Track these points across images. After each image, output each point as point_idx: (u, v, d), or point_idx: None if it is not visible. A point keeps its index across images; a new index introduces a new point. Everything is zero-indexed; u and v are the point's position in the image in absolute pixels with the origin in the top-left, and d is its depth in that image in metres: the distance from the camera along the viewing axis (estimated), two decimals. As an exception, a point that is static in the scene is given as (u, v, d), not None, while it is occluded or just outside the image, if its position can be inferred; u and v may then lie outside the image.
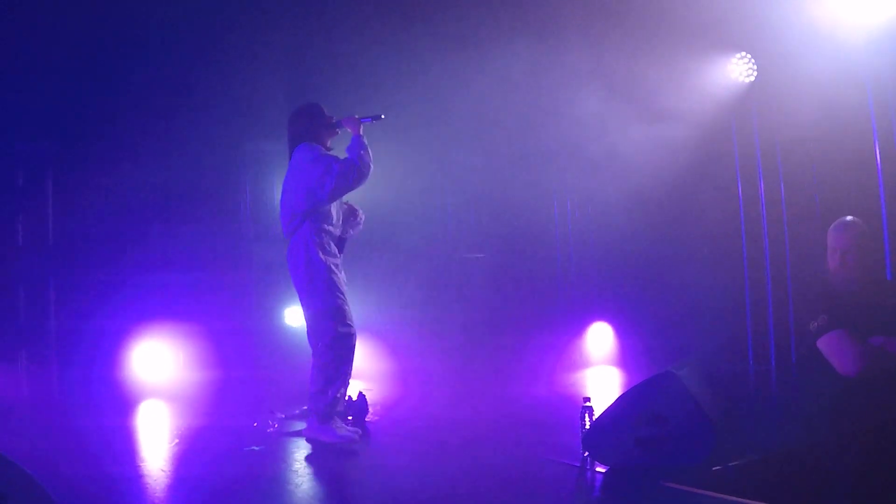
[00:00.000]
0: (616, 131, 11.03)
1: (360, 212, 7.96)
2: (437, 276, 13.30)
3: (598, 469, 6.18)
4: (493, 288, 13.38)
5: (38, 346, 10.98)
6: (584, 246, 13.49)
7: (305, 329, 7.48)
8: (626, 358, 12.27)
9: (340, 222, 7.65)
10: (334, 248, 7.50)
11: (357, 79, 11.34)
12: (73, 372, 10.89)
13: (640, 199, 11.34)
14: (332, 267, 7.36)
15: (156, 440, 8.14)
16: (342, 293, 7.37)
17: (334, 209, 7.52)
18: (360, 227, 7.98)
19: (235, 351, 11.31)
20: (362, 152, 7.30)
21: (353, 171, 7.24)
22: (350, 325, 7.34)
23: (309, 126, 7.53)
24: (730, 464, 5.79)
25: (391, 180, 12.20)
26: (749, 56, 11.59)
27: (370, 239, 12.45)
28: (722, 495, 5.32)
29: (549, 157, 12.43)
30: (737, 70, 11.62)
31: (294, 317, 11.62)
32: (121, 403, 10.13)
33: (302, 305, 7.47)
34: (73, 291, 11.26)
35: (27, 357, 10.91)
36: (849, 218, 5.84)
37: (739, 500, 5.21)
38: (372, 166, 7.34)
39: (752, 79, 11.59)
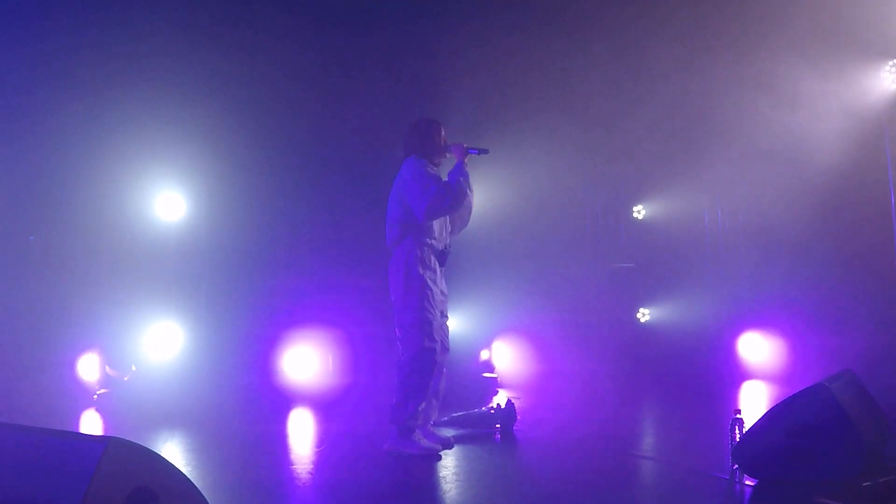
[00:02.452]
0: (766, 137, 10.90)
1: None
2: (587, 283, 13.29)
3: (747, 482, 6.13)
4: (643, 296, 13.32)
5: (192, 350, 11.34)
6: (736, 253, 13.31)
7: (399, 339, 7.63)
8: (778, 369, 12.07)
9: (445, 234, 7.76)
10: (435, 262, 7.60)
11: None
12: (227, 376, 11.25)
13: (791, 205, 11.16)
14: (429, 282, 7.50)
15: (304, 444, 8.34)
16: (434, 308, 7.50)
17: (437, 223, 7.64)
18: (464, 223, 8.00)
19: (378, 356, 11.50)
20: (461, 179, 7.47)
21: (448, 195, 7.38)
22: (435, 341, 7.46)
23: (421, 141, 7.69)
24: (880, 479, 5.69)
25: (539, 187, 12.28)
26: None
27: (519, 245, 12.56)
28: (872, 511, 5.25)
29: (698, 164, 12.32)
30: (889, 78, 11.36)
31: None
32: (271, 407, 10.40)
33: (395, 316, 7.61)
34: (223, 296, 11.63)
35: (181, 362, 11.27)
36: None
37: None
38: (470, 195, 7.52)
39: (905, 86, 11.33)
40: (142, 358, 10.97)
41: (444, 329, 7.77)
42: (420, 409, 7.43)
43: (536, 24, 11.27)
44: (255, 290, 11.76)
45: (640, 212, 13.81)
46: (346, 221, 11.64)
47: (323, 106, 11.33)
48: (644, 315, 13.57)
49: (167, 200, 11.24)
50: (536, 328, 12.40)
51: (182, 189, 11.30)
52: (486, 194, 11.70)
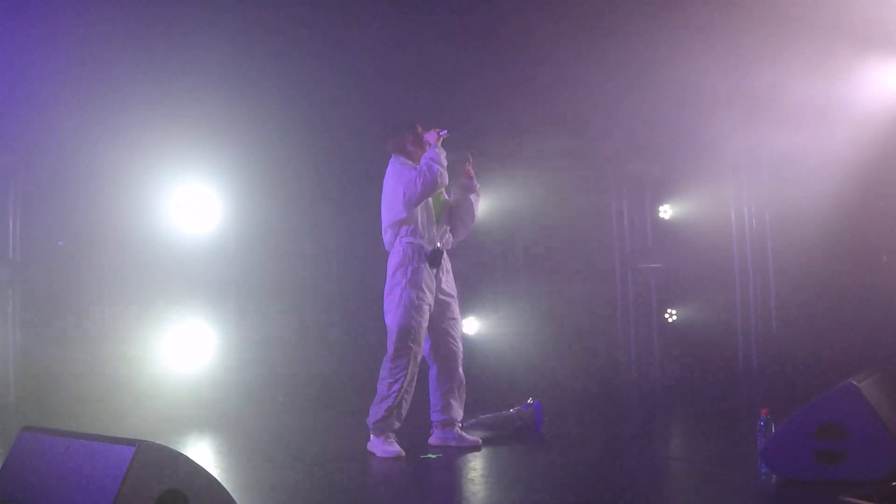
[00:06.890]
0: (792, 137, 10.83)
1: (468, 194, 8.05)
2: (613, 285, 13.26)
3: (776, 482, 6.12)
4: (669, 298, 13.27)
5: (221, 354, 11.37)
6: (763, 255, 13.23)
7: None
8: (807, 370, 12.01)
9: (435, 234, 7.78)
10: (421, 264, 7.63)
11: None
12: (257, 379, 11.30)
13: (819, 207, 11.07)
14: (409, 286, 7.55)
15: (334, 446, 8.36)
16: (413, 313, 7.53)
17: (421, 221, 7.70)
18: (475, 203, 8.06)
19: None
20: (431, 161, 7.53)
21: (419, 177, 7.48)
22: (411, 347, 7.53)
23: (397, 140, 7.90)
24: (911, 479, 5.67)
25: (560, 184, 12.28)
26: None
27: (544, 246, 12.56)
28: (902, 511, 5.23)
29: (723, 164, 12.29)
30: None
31: (470, 326, 11.84)
32: (302, 409, 10.44)
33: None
34: (254, 301, 11.70)
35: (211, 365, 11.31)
36: None
37: (921, 516, 5.10)
38: (441, 172, 7.54)
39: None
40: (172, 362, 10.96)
41: (449, 332, 7.85)
42: (389, 413, 7.51)
43: (563, 22, 11.23)
44: (287, 294, 11.82)
45: (666, 211, 13.75)
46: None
47: (358, 109, 11.35)
48: (671, 315, 13.53)
49: (199, 206, 11.24)
50: (562, 328, 12.37)
51: (216, 194, 11.31)
52: (510, 195, 11.72)
